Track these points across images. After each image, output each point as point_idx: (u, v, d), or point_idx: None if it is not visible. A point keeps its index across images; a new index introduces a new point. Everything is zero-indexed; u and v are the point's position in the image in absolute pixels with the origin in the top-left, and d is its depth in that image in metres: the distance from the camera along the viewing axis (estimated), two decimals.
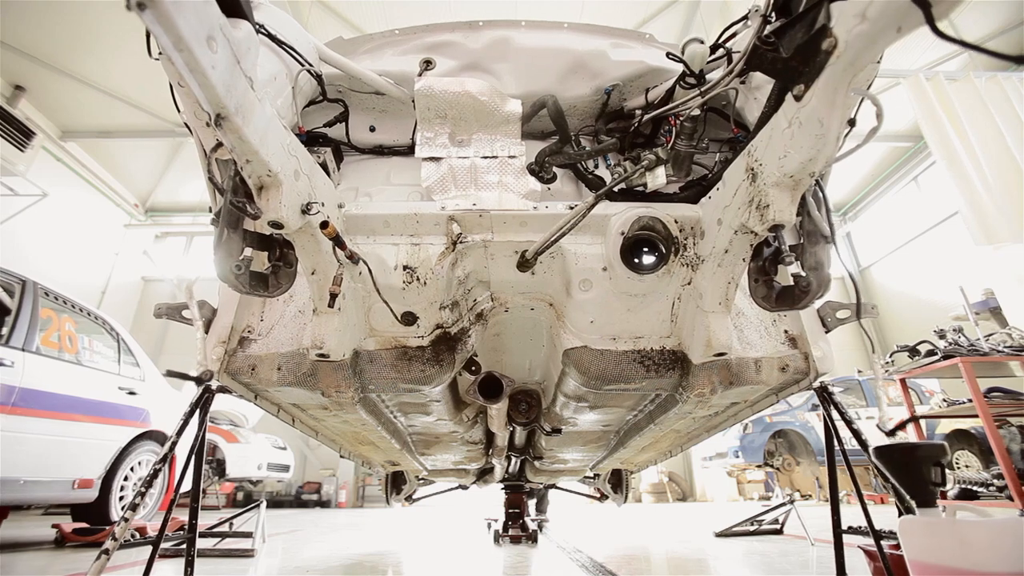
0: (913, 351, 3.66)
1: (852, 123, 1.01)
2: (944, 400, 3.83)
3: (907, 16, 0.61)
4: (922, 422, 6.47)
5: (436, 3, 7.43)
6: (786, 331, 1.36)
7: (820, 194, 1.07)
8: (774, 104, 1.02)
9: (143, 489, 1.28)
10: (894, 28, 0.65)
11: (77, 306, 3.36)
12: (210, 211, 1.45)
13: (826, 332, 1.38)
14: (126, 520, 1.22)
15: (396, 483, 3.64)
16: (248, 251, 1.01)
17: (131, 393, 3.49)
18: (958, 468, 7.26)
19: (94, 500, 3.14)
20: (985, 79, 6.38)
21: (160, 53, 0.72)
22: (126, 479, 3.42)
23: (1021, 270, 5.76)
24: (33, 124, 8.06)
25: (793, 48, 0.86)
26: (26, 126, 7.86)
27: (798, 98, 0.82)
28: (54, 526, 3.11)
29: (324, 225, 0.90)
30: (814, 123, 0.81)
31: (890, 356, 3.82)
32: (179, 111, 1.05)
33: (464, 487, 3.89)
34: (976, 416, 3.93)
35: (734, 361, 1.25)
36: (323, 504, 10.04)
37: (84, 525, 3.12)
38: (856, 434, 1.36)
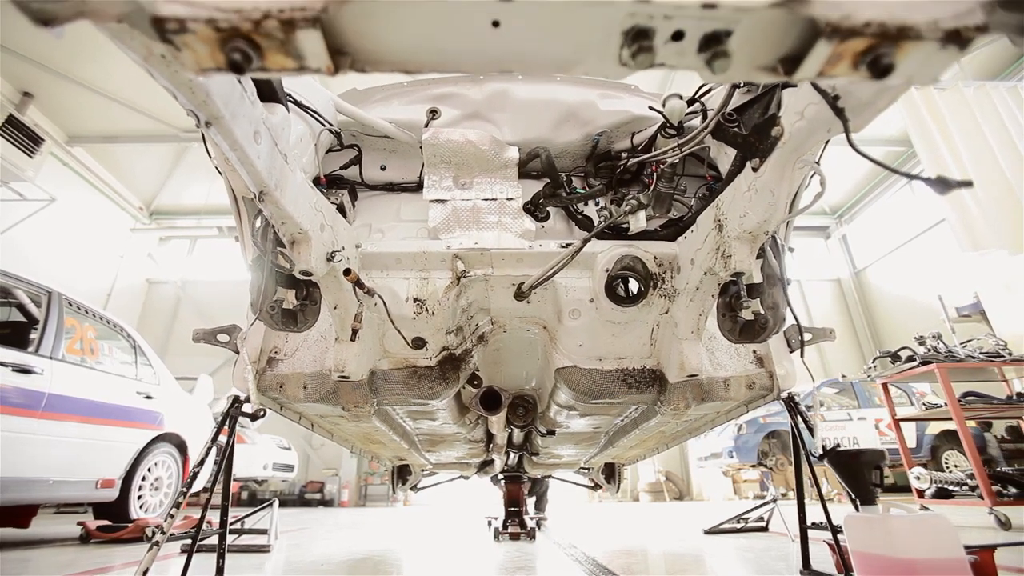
0: (895, 357, 3.82)
1: (816, 165, 1.17)
2: (923, 404, 4.01)
3: (834, 123, 0.77)
4: (913, 424, 6.68)
5: None
6: (754, 351, 1.53)
7: (777, 243, 1.24)
8: (739, 165, 1.18)
9: (184, 490, 1.45)
10: (825, 129, 0.82)
11: (97, 314, 3.53)
12: (235, 231, 1.61)
13: (791, 352, 1.55)
14: (171, 516, 1.39)
15: (402, 475, 3.87)
16: (279, 291, 1.17)
17: (148, 397, 3.66)
18: (947, 468, 7.45)
19: (115, 499, 3.32)
20: (973, 88, 6.53)
21: (207, 123, 0.84)
22: (143, 479, 3.60)
23: (1007, 276, 5.93)
24: (41, 130, 8.20)
25: (751, 126, 1.03)
26: (35, 132, 8.01)
27: (755, 169, 0.98)
28: (79, 523, 3.28)
29: (347, 272, 1.06)
30: (767, 192, 0.96)
31: (873, 361, 3.99)
32: (210, 156, 1.20)
33: (465, 478, 4.13)
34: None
35: (705, 380, 1.42)
36: (326, 503, 10.23)
37: (107, 523, 3.29)
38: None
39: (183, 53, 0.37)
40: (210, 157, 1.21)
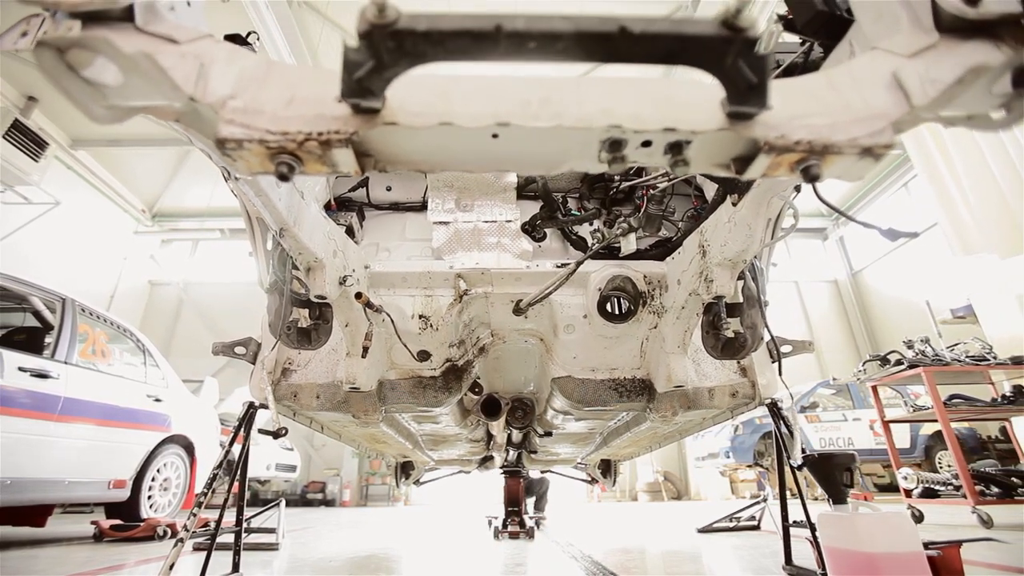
0: (884, 360, 3.93)
1: (798, 189, 1.26)
2: (912, 406, 4.12)
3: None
4: (908, 424, 6.78)
5: None
6: (738, 362, 1.63)
7: (755, 267, 1.33)
8: (721, 196, 1.29)
9: (205, 490, 1.55)
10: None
11: (108, 320, 3.63)
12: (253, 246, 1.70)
13: (772, 362, 1.65)
14: (194, 515, 1.49)
15: (405, 470, 4.01)
16: (294, 311, 1.27)
17: (157, 400, 3.76)
18: (940, 468, 7.56)
19: (126, 499, 3.43)
20: None
21: (235, 177, 0.95)
22: (153, 480, 3.71)
23: (998, 279, 6.03)
24: (45, 134, 8.29)
25: None
26: (40, 137, 8.09)
27: (734, 204, 1.08)
28: (93, 522, 3.39)
29: (358, 296, 1.16)
30: (745, 226, 1.06)
31: (863, 364, 4.09)
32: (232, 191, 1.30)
33: (467, 472, 4.27)
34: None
35: (691, 390, 1.52)
36: (327, 503, 10.34)
37: (119, 522, 3.40)
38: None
39: (238, 162, 0.47)
40: (227, 181, 1.31)
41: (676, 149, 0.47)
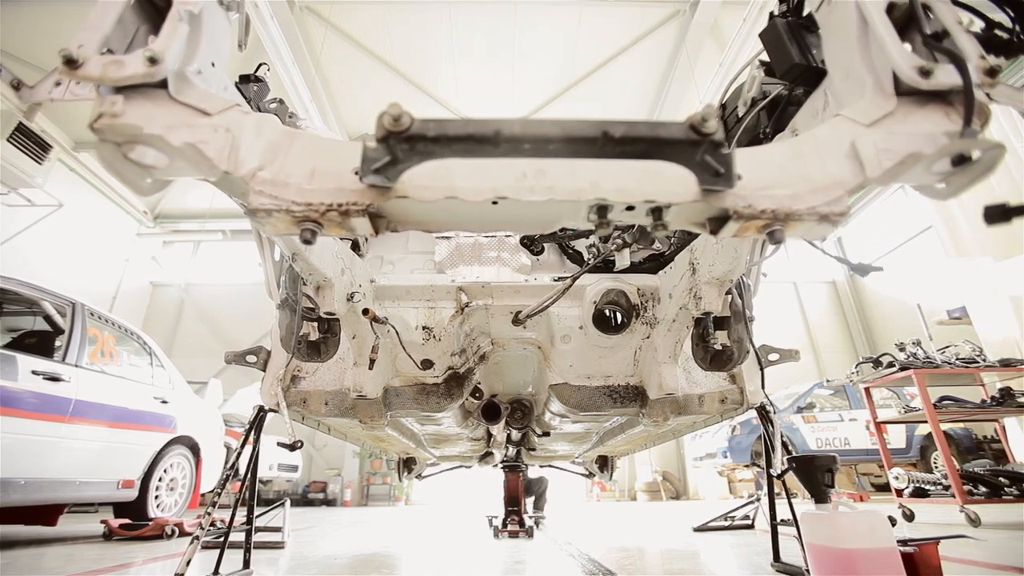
0: (876, 362, 4.00)
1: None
2: (905, 407, 4.19)
3: None
4: (903, 425, 6.86)
5: (434, 22, 7.74)
6: None
7: (743, 283, 1.40)
8: None
9: (218, 491, 1.63)
10: None
11: (116, 323, 3.71)
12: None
13: (761, 370, 1.72)
14: (209, 513, 1.56)
15: (408, 465, 4.11)
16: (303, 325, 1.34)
17: (163, 402, 3.84)
18: (935, 467, 7.65)
19: (134, 499, 3.51)
20: None
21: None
22: (160, 480, 3.79)
23: (992, 281, 6.11)
24: (49, 136, 8.35)
25: None
26: (43, 139, 8.16)
27: None
28: (102, 521, 3.47)
29: (365, 312, 1.24)
30: (731, 248, 1.13)
31: (856, 367, 4.17)
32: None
33: (467, 467, 4.38)
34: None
35: (682, 397, 1.60)
36: (328, 503, 10.42)
37: (128, 521, 3.48)
38: (784, 445, 1.72)
39: (266, 226, 0.54)
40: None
41: (657, 213, 0.54)
